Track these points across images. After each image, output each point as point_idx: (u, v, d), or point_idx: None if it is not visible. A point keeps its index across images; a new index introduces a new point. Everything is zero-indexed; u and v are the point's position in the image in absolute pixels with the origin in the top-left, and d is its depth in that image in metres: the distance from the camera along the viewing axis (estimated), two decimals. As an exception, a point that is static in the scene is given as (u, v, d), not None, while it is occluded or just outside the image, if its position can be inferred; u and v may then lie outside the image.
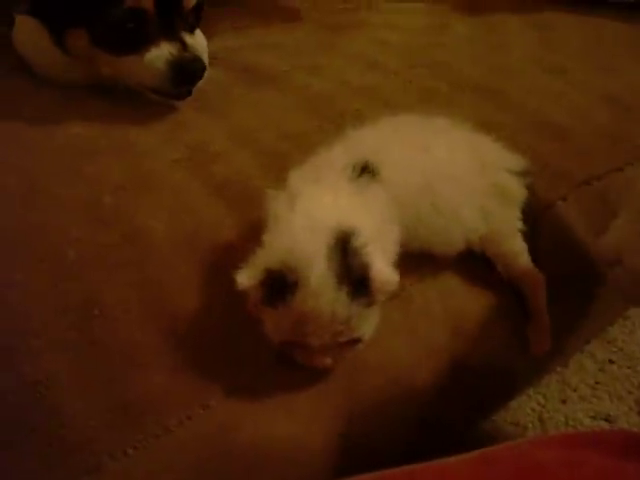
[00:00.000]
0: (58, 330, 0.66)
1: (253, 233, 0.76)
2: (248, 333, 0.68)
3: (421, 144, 0.75)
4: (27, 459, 0.61)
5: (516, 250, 0.77)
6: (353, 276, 0.61)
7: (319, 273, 0.60)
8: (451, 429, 0.86)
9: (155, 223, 0.76)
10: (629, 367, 1.12)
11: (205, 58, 0.91)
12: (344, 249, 0.62)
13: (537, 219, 0.81)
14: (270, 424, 0.66)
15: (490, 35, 1.29)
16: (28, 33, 0.96)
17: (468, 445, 0.93)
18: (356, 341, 0.65)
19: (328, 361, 0.65)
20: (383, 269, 0.62)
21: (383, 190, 0.69)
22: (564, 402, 1.06)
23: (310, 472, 0.67)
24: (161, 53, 0.87)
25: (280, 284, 0.61)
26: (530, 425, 1.02)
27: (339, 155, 0.72)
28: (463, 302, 0.79)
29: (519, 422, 1.02)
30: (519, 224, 0.77)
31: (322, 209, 0.65)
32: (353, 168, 0.68)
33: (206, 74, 0.91)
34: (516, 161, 0.79)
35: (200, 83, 0.91)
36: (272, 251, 0.63)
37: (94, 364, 0.64)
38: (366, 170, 0.69)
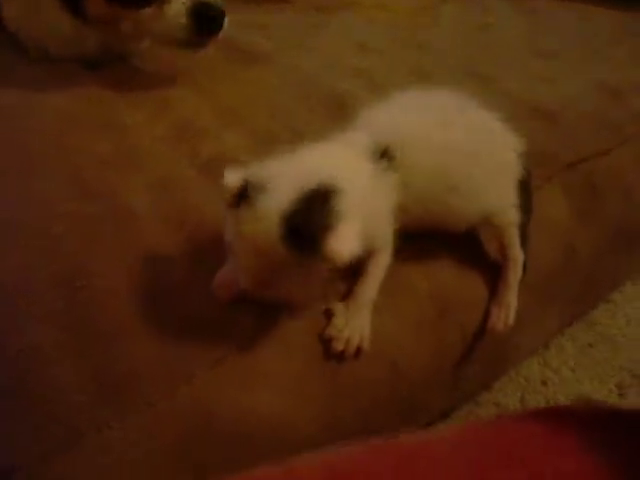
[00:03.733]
0: (44, 302, 0.65)
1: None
2: (232, 307, 0.68)
3: (439, 122, 0.74)
4: (12, 422, 0.61)
5: (510, 220, 0.78)
6: (311, 227, 0.57)
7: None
8: (435, 407, 0.87)
9: (139, 199, 0.76)
10: (610, 350, 1.13)
11: (222, 5, 0.91)
12: (320, 200, 0.59)
13: (530, 201, 0.82)
14: (253, 400, 0.66)
15: (479, 17, 1.30)
16: (27, 9, 0.96)
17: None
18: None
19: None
20: (342, 236, 0.56)
21: (395, 175, 0.69)
22: (545, 384, 1.07)
23: (294, 449, 0.67)
24: (180, 3, 0.88)
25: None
26: (512, 406, 1.03)
27: (357, 135, 0.71)
28: (448, 283, 0.80)
29: (501, 403, 1.03)
30: (515, 199, 0.78)
31: (318, 162, 0.66)
32: (373, 152, 0.68)
33: (226, 22, 0.91)
34: (518, 142, 0.80)
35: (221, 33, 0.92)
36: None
37: (79, 336, 0.64)
38: (385, 155, 0.68)
